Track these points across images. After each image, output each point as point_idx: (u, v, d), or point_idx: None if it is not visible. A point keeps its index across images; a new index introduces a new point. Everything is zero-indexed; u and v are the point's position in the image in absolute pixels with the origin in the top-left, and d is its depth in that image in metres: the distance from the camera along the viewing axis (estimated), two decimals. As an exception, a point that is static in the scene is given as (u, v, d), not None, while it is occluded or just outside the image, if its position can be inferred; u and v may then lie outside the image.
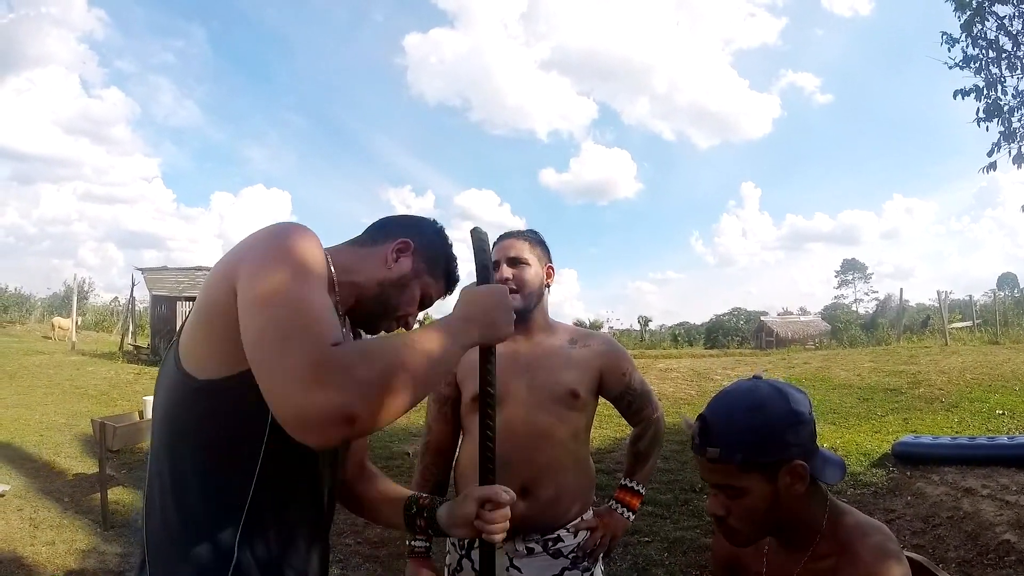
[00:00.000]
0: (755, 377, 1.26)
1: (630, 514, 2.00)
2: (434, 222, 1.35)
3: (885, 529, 1.21)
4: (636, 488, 2.04)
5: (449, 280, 1.33)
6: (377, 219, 1.33)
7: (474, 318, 1.11)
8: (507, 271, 1.88)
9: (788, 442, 1.16)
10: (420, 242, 1.26)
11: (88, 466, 6.45)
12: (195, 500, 1.01)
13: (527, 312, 1.89)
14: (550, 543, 1.85)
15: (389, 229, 1.28)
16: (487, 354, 1.22)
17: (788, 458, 1.15)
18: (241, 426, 1.01)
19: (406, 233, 1.26)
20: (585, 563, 1.88)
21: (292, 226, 1.03)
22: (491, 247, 1.91)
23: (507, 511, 1.21)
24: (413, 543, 1.84)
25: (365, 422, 0.87)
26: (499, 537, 1.21)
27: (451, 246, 1.34)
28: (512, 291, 1.84)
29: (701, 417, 1.21)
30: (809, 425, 1.19)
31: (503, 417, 1.75)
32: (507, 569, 1.82)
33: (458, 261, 1.35)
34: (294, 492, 1.09)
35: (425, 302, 1.29)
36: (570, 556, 1.86)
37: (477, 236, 1.29)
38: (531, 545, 1.83)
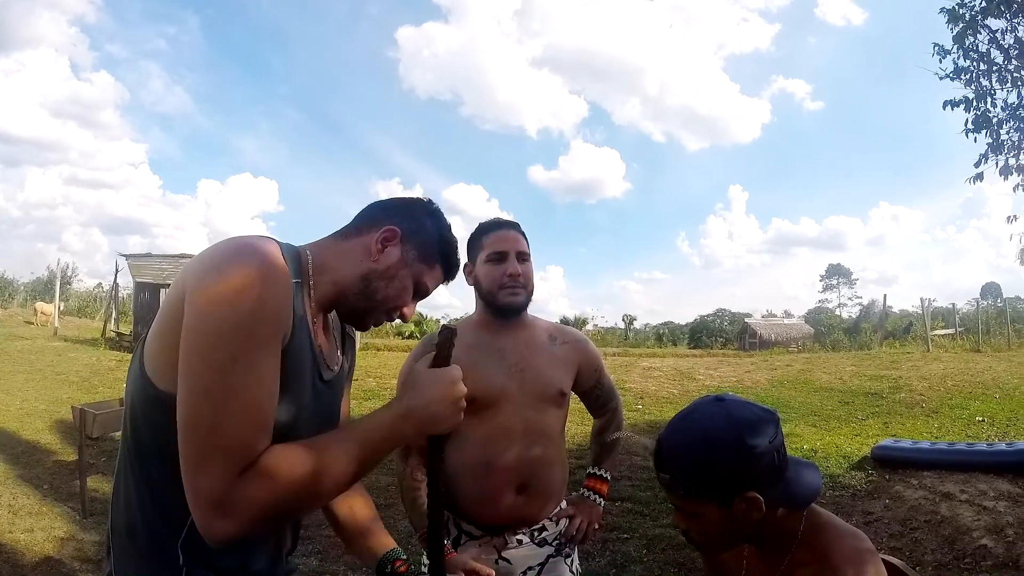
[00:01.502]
0: (717, 399, 1.21)
1: (601, 500, 2.06)
2: (428, 203, 1.25)
3: (861, 534, 1.20)
4: (604, 476, 2.10)
5: (447, 265, 1.24)
6: (366, 205, 1.24)
7: (414, 413, 1.05)
8: (516, 266, 1.86)
9: (740, 477, 1.12)
10: (409, 228, 1.17)
11: (68, 453, 6.40)
12: (151, 496, 1.03)
13: (524, 309, 1.91)
14: (535, 533, 1.90)
15: (375, 216, 1.19)
16: (436, 451, 1.16)
17: (740, 490, 1.13)
18: None
19: (393, 220, 1.17)
20: (567, 549, 1.94)
21: (250, 255, 0.96)
22: (488, 235, 1.90)
23: None
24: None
25: (260, 528, 0.94)
26: None
27: (447, 228, 1.24)
28: (520, 287, 1.86)
29: (658, 440, 1.21)
30: (766, 455, 1.13)
31: (499, 418, 1.80)
32: (496, 561, 1.84)
33: (457, 243, 1.26)
34: None
35: (421, 291, 1.20)
36: (554, 544, 1.92)
37: (447, 329, 1.16)
38: (520, 537, 1.87)
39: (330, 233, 1.21)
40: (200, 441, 0.89)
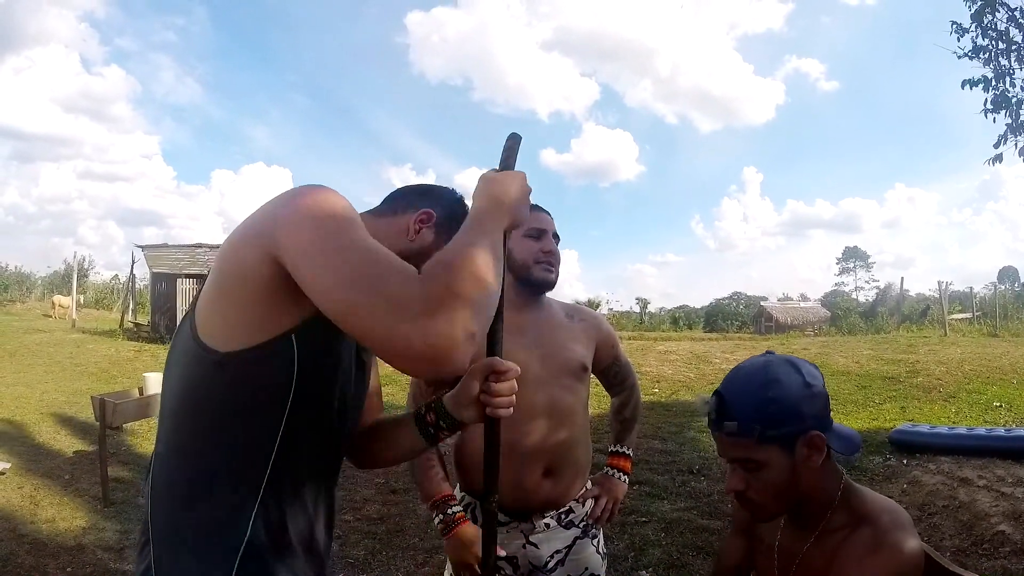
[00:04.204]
0: (767, 353, 1.27)
1: (625, 478, 2.06)
2: (453, 191, 1.31)
3: (901, 508, 1.21)
4: (627, 452, 2.10)
5: None
6: (395, 188, 1.30)
7: (501, 202, 1.07)
8: (552, 244, 1.89)
9: (804, 414, 1.17)
10: (442, 212, 1.22)
11: (88, 443, 6.47)
12: (213, 477, 0.99)
13: (551, 288, 1.93)
14: (563, 516, 1.89)
15: (410, 199, 1.24)
16: (492, 435, 1.20)
17: (804, 430, 1.17)
18: (266, 397, 0.99)
19: (427, 203, 1.22)
20: (593, 530, 1.94)
21: (315, 185, 1.00)
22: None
23: (513, 384, 1.16)
24: (447, 512, 1.80)
25: (481, 333, 0.91)
26: (504, 412, 1.16)
27: None
28: (554, 265, 1.88)
29: (717, 393, 1.22)
30: (823, 397, 1.21)
31: (522, 396, 1.70)
32: (523, 546, 1.84)
33: None
34: (310, 458, 1.08)
35: None
36: (580, 525, 1.91)
37: (515, 136, 1.22)
38: (547, 521, 1.87)
39: (361, 212, 1.22)
40: (373, 269, 0.88)
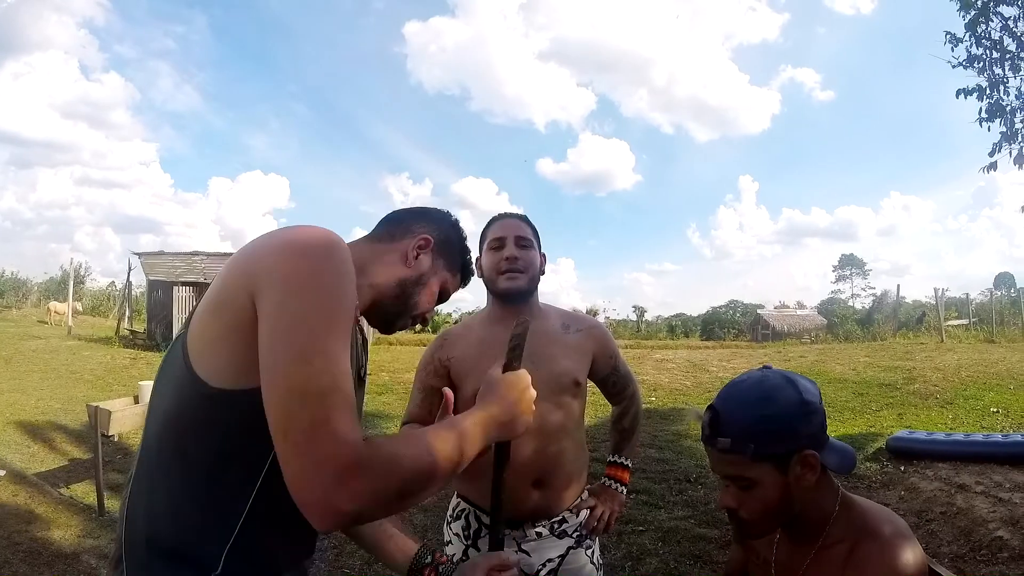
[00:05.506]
0: (764, 367, 1.25)
1: (623, 488, 2.04)
2: (449, 214, 1.32)
3: (899, 517, 1.21)
4: (625, 463, 2.09)
5: (465, 274, 1.32)
6: (390, 212, 1.29)
7: (499, 418, 1.09)
8: (515, 250, 1.87)
9: (799, 432, 1.15)
10: (439, 237, 1.24)
11: (83, 451, 6.45)
12: (191, 504, 0.97)
13: (528, 294, 1.90)
14: (555, 525, 1.88)
15: (408, 224, 1.24)
16: (501, 457, 1.23)
17: (799, 448, 1.15)
18: (251, 437, 0.96)
19: (425, 228, 1.23)
20: (588, 540, 1.93)
21: (325, 240, 0.95)
22: (492, 226, 1.93)
23: (515, 571, 1.23)
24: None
25: (365, 520, 0.94)
26: None
27: (466, 239, 1.32)
28: (518, 271, 1.86)
29: (711, 408, 1.21)
30: (819, 415, 1.19)
31: None
32: (515, 554, 1.83)
33: (472, 254, 1.34)
34: (291, 502, 1.07)
35: (443, 297, 1.27)
36: (574, 535, 1.90)
37: (524, 322, 1.23)
38: (539, 530, 1.86)
39: (359, 237, 1.24)
40: (316, 405, 0.84)
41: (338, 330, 0.90)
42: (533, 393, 1.16)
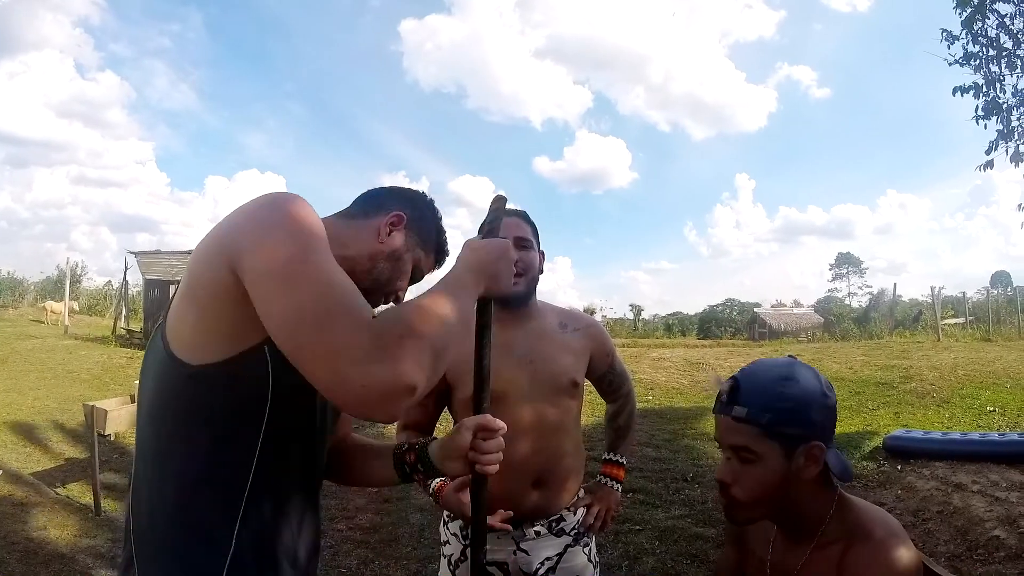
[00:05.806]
0: (790, 356, 1.26)
1: (618, 486, 2.05)
2: (424, 194, 1.31)
3: (892, 518, 1.21)
4: (621, 461, 2.09)
5: (439, 253, 1.31)
6: (366, 191, 1.30)
7: (478, 269, 1.10)
8: (515, 252, 1.84)
9: (813, 420, 1.16)
10: (413, 215, 1.23)
11: (80, 451, 6.44)
12: (192, 491, 0.97)
13: (528, 297, 1.89)
14: (553, 524, 1.88)
15: (382, 201, 1.24)
16: (482, 329, 1.22)
17: (808, 437, 1.16)
18: (241, 410, 0.98)
19: (399, 206, 1.23)
20: (585, 538, 1.93)
21: (285, 194, 0.99)
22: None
23: (500, 440, 1.20)
24: (431, 492, 1.76)
25: (423, 387, 0.90)
26: (492, 469, 1.19)
27: (441, 219, 1.32)
28: (518, 274, 1.81)
29: (733, 378, 1.21)
30: (834, 412, 1.21)
31: (509, 412, 1.67)
32: (514, 552, 1.84)
33: (447, 235, 1.34)
34: (290, 472, 1.06)
35: (416, 276, 1.27)
36: (572, 533, 1.90)
37: (499, 198, 1.29)
38: (537, 528, 1.86)
39: (332, 213, 1.24)
40: (321, 309, 0.86)
41: (325, 253, 0.93)
42: (514, 255, 1.19)
